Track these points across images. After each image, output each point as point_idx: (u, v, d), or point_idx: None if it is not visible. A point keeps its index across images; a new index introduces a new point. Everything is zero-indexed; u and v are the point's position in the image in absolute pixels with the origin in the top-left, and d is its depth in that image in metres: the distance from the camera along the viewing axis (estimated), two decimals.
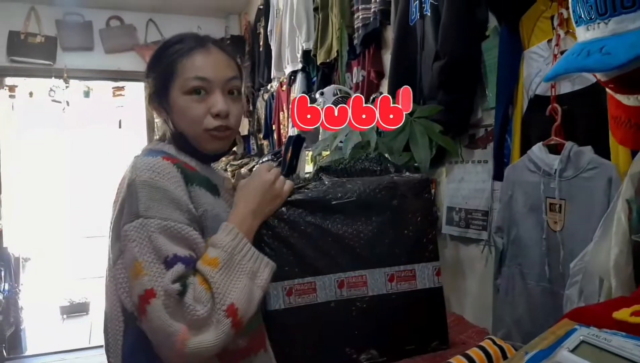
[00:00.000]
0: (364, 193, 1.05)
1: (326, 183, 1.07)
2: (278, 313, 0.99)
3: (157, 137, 1.12)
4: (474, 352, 0.71)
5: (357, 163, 1.10)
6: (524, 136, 1.61)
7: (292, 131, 2.79)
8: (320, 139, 2.06)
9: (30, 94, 5.09)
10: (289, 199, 1.03)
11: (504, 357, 0.72)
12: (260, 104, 4.04)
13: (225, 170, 4.03)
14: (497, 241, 1.64)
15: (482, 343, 0.73)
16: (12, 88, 4.88)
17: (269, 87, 3.89)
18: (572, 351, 0.63)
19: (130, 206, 0.92)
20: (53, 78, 4.69)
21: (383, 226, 1.04)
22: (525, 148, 1.56)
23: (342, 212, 1.03)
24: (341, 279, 1.01)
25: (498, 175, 1.72)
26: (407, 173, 1.12)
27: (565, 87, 1.47)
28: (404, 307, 1.02)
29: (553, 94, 1.46)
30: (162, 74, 1.04)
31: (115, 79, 5.09)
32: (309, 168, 2.08)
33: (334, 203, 1.04)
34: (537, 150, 1.48)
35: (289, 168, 2.27)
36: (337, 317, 1.00)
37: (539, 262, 1.49)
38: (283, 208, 1.02)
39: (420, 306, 1.04)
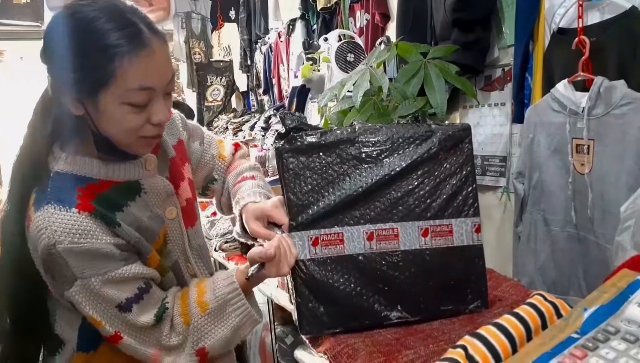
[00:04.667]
0: (398, 140, 0.97)
1: (357, 128, 0.98)
2: (303, 264, 0.93)
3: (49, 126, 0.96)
4: (524, 310, 0.63)
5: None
6: (547, 73, 1.51)
7: (296, 82, 2.68)
8: (326, 88, 1.95)
9: (21, 58, 4.93)
10: (316, 142, 0.95)
11: (558, 314, 0.64)
12: (258, 58, 3.89)
13: (226, 128, 3.93)
14: (518, 187, 1.57)
15: (531, 300, 0.66)
16: (0, 53, 4.73)
17: (266, 38, 3.73)
18: None
19: (61, 273, 0.89)
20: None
21: (418, 177, 0.96)
22: (548, 86, 1.47)
23: (374, 160, 0.96)
24: (370, 231, 0.94)
25: (518, 117, 1.63)
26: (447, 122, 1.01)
27: (593, 17, 1.36)
28: (439, 264, 0.95)
29: (580, 25, 1.35)
30: (92, 75, 0.84)
31: None
32: (315, 119, 1.99)
33: (365, 149, 0.96)
34: (562, 88, 1.38)
35: None
36: (366, 271, 0.93)
37: (564, 207, 1.43)
38: (310, 155, 0.95)
39: (458, 264, 0.96)
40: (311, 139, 0.95)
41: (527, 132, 1.51)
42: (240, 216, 1.07)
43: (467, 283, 0.95)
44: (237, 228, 1.09)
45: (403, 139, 0.96)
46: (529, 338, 0.62)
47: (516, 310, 0.64)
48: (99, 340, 0.96)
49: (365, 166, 0.95)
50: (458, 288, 0.95)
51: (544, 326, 0.63)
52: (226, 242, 2.13)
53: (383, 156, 0.95)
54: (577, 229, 1.41)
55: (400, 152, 0.96)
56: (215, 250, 2.14)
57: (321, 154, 0.94)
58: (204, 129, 1.25)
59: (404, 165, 0.95)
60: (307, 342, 0.96)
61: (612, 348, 0.51)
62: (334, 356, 0.84)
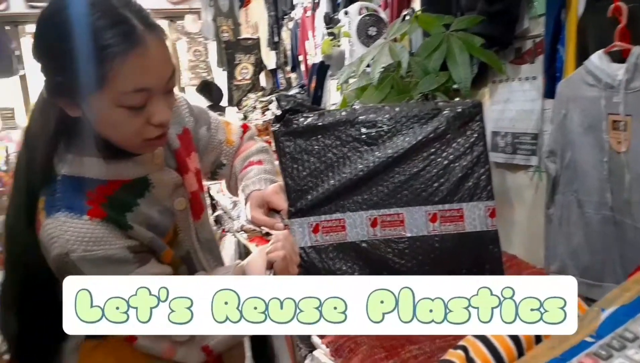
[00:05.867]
0: (401, 120, 0.91)
1: (357, 107, 0.93)
2: (304, 251, 0.90)
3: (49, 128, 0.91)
4: None
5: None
6: (580, 44, 1.40)
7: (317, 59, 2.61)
8: (346, 64, 1.88)
9: None
10: (314, 124, 0.90)
11: None
12: (286, 34, 3.82)
13: (255, 107, 3.90)
14: (550, 166, 1.48)
15: None
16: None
17: (292, 14, 3.66)
18: None
19: None
20: None
21: (424, 159, 0.91)
22: (581, 58, 1.36)
23: (375, 141, 0.90)
24: (374, 217, 0.89)
25: (549, 92, 1.53)
26: (457, 99, 0.96)
27: None
28: (449, 252, 0.90)
29: None
30: (83, 77, 0.79)
31: None
32: (335, 97, 1.93)
33: (365, 130, 0.91)
34: (597, 59, 1.28)
35: (314, 100, 2.12)
36: (370, 259, 0.89)
37: (598, 188, 1.34)
38: (308, 138, 0.91)
39: (470, 251, 0.90)
40: (309, 121, 0.90)
41: (559, 108, 1.41)
42: (247, 203, 1.04)
43: (480, 271, 0.89)
44: (245, 216, 1.07)
45: (407, 119, 0.90)
46: (538, 340, 0.56)
47: None
48: None
49: (367, 148, 0.90)
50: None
51: None
52: (249, 223, 2.10)
53: (385, 137, 0.90)
54: (613, 211, 1.32)
55: (404, 132, 0.90)
56: (237, 231, 2.13)
57: (319, 136, 0.90)
58: (211, 113, 1.21)
59: (409, 146, 0.89)
60: None
61: (628, 358, 0.45)
62: (335, 350, 0.81)
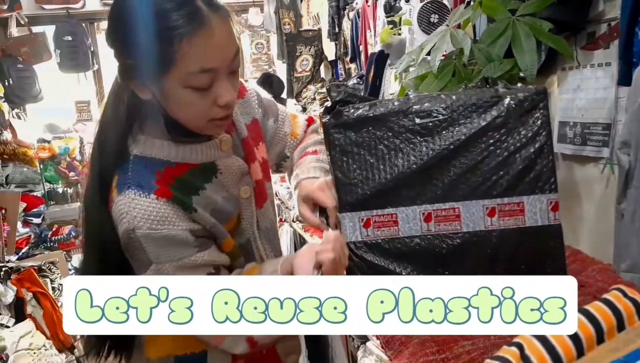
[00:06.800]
0: (458, 109, 0.86)
1: (411, 97, 0.90)
2: (355, 246, 0.88)
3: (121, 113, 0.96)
4: (595, 307, 0.54)
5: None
6: None
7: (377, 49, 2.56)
8: (406, 53, 1.84)
9: None
10: (365, 115, 0.88)
11: None
12: (346, 25, 3.79)
13: (314, 99, 3.91)
14: (622, 158, 1.39)
15: (607, 296, 0.55)
16: None
17: (354, 4, 3.62)
18: None
19: (138, 257, 0.92)
20: None
21: (482, 151, 0.86)
22: None
23: (430, 132, 0.86)
24: (428, 211, 0.86)
25: (625, 79, 1.43)
26: (520, 85, 0.90)
27: None
28: (508, 247, 0.85)
29: None
30: (152, 59, 0.83)
31: None
32: (394, 87, 1.89)
33: (419, 121, 0.87)
34: None
35: (372, 89, 2.09)
36: (423, 255, 0.86)
37: None
38: (359, 130, 0.89)
39: (530, 247, 0.85)
40: (359, 112, 0.88)
41: (635, 96, 1.32)
42: (295, 191, 1.05)
43: (541, 267, 0.84)
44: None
45: (464, 107, 0.85)
46: (600, 340, 0.52)
47: (586, 307, 0.54)
48: None
49: (420, 139, 0.86)
50: (530, 274, 0.84)
51: (621, 327, 0.53)
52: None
53: (441, 127, 0.86)
54: None
55: (461, 122, 0.85)
56: (293, 221, 2.15)
57: (370, 128, 0.87)
58: (279, 105, 1.23)
59: (465, 137, 0.85)
60: None
61: None
62: (386, 342, 0.79)
